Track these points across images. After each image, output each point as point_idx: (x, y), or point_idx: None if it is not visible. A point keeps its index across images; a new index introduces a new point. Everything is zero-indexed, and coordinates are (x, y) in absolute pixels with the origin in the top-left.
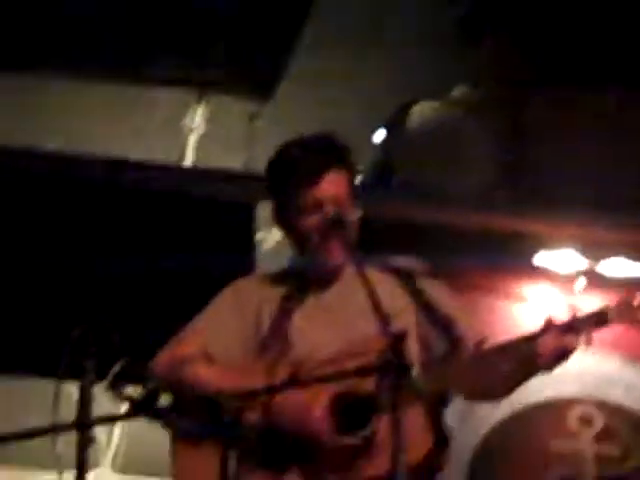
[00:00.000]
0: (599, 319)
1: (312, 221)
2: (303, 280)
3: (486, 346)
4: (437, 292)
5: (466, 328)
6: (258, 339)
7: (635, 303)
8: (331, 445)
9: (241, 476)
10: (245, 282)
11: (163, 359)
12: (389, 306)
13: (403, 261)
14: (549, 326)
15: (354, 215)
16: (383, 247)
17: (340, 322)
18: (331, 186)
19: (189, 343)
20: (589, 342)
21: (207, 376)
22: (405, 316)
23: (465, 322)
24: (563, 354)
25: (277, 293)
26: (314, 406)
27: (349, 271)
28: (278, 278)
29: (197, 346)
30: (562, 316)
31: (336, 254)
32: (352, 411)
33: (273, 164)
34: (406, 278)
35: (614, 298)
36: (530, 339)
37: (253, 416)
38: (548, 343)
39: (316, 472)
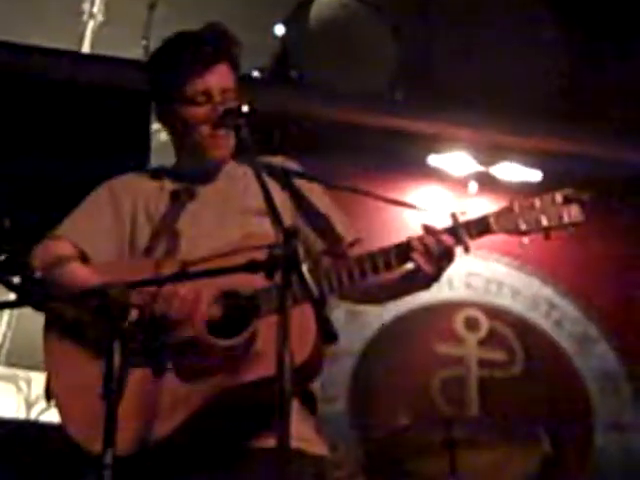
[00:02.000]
0: (480, 227)
1: (201, 111)
2: (182, 176)
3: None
4: (312, 191)
5: (343, 227)
6: (133, 237)
7: (515, 211)
8: (209, 346)
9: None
10: (120, 179)
11: (39, 254)
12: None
13: (277, 160)
14: (429, 230)
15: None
16: (273, 142)
17: (227, 218)
18: (221, 77)
19: (64, 240)
20: (467, 249)
21: (86, 275)
22: (283, 211)
23: (341, 221)
24: (438, 252)
25: (154, 190)
26: (196, 305)
27: (228, 167)
28: (154, 175)
29: (72, 244)
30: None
31: (224, 147)
32: (235, 310)
33: (163, 53)
34: (282, 177)
35: (506, 202)
36: (406, 243)
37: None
38: (422, 238)
39: (194, 372)
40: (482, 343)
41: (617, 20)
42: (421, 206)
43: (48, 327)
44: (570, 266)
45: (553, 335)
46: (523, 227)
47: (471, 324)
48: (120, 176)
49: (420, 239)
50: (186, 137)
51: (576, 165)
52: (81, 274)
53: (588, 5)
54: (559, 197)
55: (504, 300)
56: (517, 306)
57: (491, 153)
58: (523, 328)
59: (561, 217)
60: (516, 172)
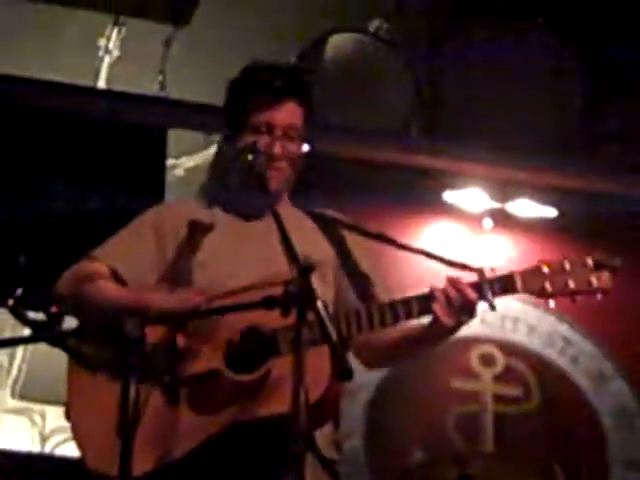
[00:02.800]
0: (506, 286)
1: (261, 142)
2: (231, 207)
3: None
4: (359, 247)
5: (380, 291)
6: (176, 266)
7: (544, 272)
8: (226, 379)
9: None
10: (168, 206)
11: (67, 275)
12: (314, 250)
13: (328, 210)
14: (452, 282)
15: (297, 148)
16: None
17: (259, 256)
18: (287, 113)
19: (97, 261)
20: (492, 308)
21: (110, 292)
22: (328, 261)
23: (380, 284)
24: (461, 306)
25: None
26: (212, 340)
27: (284, 204)
28: (206, 203)
29: (105, 265)
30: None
31: (278, 181)
32: (253, 348)
33: (239, 79)
34: (329, 225)
35: (520, 238)
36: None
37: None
38: (444, 290)
39: (209, 403)
40: (498, 379)
41: (635, 55)
42: (467, 265)
43: (71, 361)
44: (586, 303)
45: (569, 371)
46: (550, 290)
47: (487, 360)
48: (170, 202)
49: (443, 290)
50: (236, 165)
51: (592, 202)
52: (110, 289)
53: (605, 39)
54: (590, 262)
55: (520, 336)
56: (533, 342)
57: (506, 189)
58: (539, 364)
59: (590, 283)
60: (531, 209)
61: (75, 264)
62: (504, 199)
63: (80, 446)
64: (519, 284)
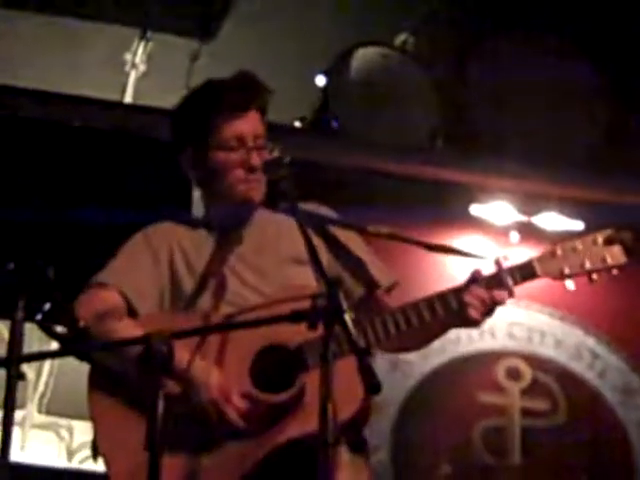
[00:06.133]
0: (525, 272)
1: (234, 156)
2: (214, 224)
3: (403, 297)
4: (347, 238)
5: (378, 272)
6: (175, 287)
7: (559, 255)
8: (261, 403)
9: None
10: (155, 227)
11: (86, 306)
12: (300, 251)
13: (310, 207)
14: (476, 278)
15: (267, 154)
16: (316, 193)
17: (265, 268)
18: (253, 123)
19: (111, 289)
20: (512, 294)
21: (132, 332)
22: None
23: (377, 266)
24: (491, 306)
25: (192, 239)
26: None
27: (261, 214)
28: (190, 224)
29: (118, 292)
30: (489, 269)
31: (257, 192)
32: (277, 364)
33: (194, 100)
34: (317, 223)
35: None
36: (457, 291)
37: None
38: (475, 294)
39: (249, 430)
40: (525, 392)
41: None
42: (459, 249)
43: (93, 377)
44: (612, 316)
45: (596, 385)
46: (567, 271)
47: (513, 374)
48: (155, 224)
49: (476, 295)
50: (218, 183)
51: (619, 214)
52: (127, 331)
53: (629, 53)
54: (600, 239)
55: (547, 350)
56: (560, 356)
57: (533, 203)
58: (566, 378)
59: (604, 259)
60: (558, 222)
61: (87, 291)
62: (531, 212)
63: (107, 465)
64: (538, 269)
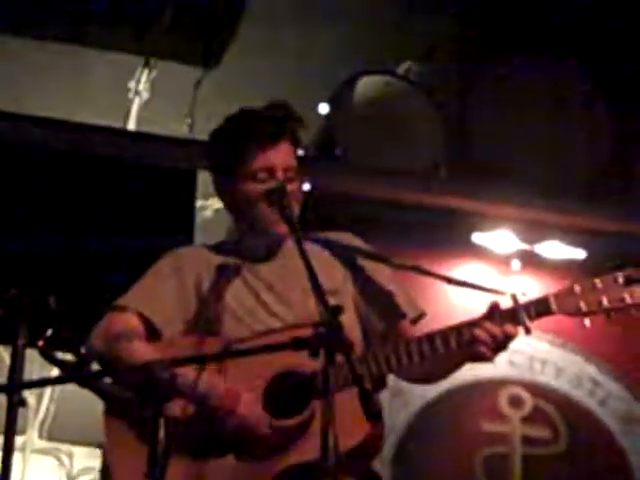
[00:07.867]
0: (541, 308)
1: (262, 188)
2: (243, 251)
3: (424, 330)
4: (377, 270)
5: (406, 303)
6: (199, 312)
7: (576, 292)
8: (264, 429)
9: (170, 453)
10: (185, 251)
11: (101, 330)
12: (328, 280)
13: (341, 236)
14: (493, 312)
15: (298, 186)
16: (320, 221)
17: (280, 297)
18: (284, 155)
19: (130, 312)
20: (528, 331)
21: (145, 353)
22: (344, 290)
23: (405, 297)
24: (503, 341)
25: (218, 266)
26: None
27: (290, 244)
28: (219, 250)
29: (138, 315)
30: (502, 302)
31: (281, 225)
32: (290, 390)
33: (227, 128)
34: (344, 253)
35: (549, 280)
36: (471, 325)
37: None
38: (487, 329)
39: (252, 452)
40: (526, 420)
41: None
42: (479, 285)
43: (108, 405)
44: (613, 344)
45: (597, 413)
46: (584, 309)
47: (515, 402)
48: (186, 247)
49: (487, 331)
50: (247, 213)
51: (621, 244)
52: (146, 353)
53: (632, 82)
54: (621, 278)
55: (548, 378)
56: (561, 384)
57: (535, 231)
58: (567, 406)
59: (623, 299)
60: (560, 250)
61: (105, 315)
62: (533, 241)
63: None
64: (554, 306)
